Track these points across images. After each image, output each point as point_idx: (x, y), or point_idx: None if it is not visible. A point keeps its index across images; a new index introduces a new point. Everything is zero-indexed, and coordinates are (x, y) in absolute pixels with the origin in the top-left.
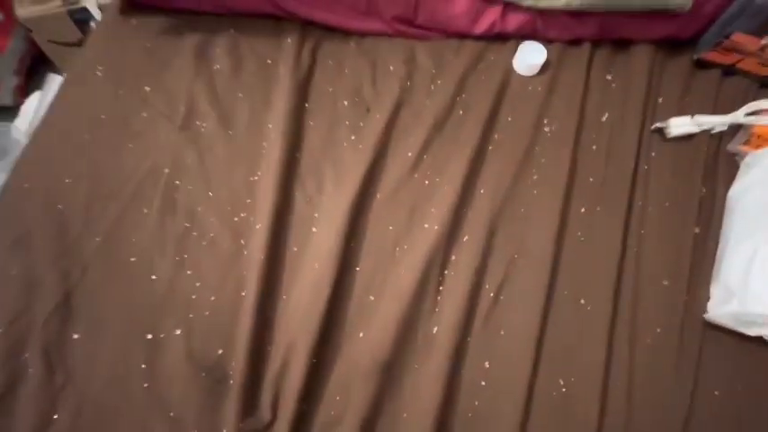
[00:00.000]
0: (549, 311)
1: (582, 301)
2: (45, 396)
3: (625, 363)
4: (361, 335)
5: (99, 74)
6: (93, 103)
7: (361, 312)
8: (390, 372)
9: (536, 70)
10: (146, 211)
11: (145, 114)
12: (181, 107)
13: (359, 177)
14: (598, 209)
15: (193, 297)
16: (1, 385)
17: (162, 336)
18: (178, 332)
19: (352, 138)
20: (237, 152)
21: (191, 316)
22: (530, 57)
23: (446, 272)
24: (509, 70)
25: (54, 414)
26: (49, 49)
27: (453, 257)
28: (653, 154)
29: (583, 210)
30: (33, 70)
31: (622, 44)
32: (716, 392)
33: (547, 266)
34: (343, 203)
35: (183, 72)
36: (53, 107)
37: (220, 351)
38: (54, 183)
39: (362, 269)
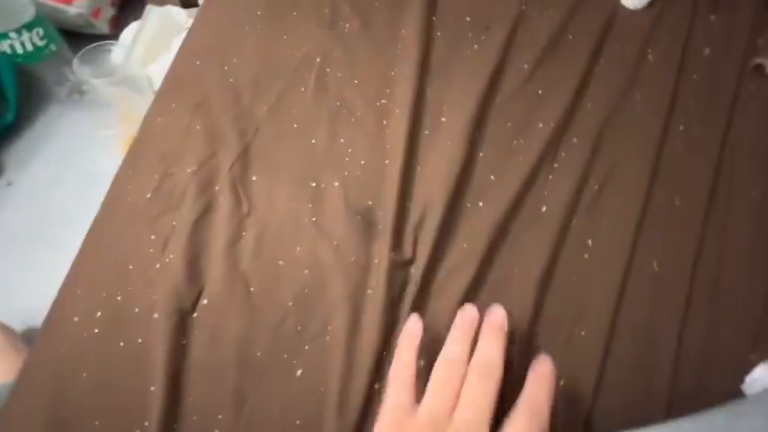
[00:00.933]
0: (647, 207)
1: (677, 202)
2: (235, 218)
3: (714, 254)
4: (480, 204)
5: None
6: (248, 4)
7: (483, 187)
8: (504, 235)
9: (644, 4)
10: (303, 89)
11: (295, 13)
12: (326, 9)
13: (483, 80)
14: (696, 127)
15: (346, 160)
16: (201, 209)
17: (323, 185)
18: (336, 184)
19: (475, 47)
20: (376, 50)
21: (345, 173)
22: None
23: (555, 165)
24: (616, 3)
25: (242, 232)
26: None
27: (563, 154)
28: (751, 87)
29: (681, 128)
30: (125, 3)
31: None
32: None
33: (647, 168)
34: (469, 99)
35: None
36: (207, 5)
37: (370, 202)
38: (224, 60)
39: (485, 155)
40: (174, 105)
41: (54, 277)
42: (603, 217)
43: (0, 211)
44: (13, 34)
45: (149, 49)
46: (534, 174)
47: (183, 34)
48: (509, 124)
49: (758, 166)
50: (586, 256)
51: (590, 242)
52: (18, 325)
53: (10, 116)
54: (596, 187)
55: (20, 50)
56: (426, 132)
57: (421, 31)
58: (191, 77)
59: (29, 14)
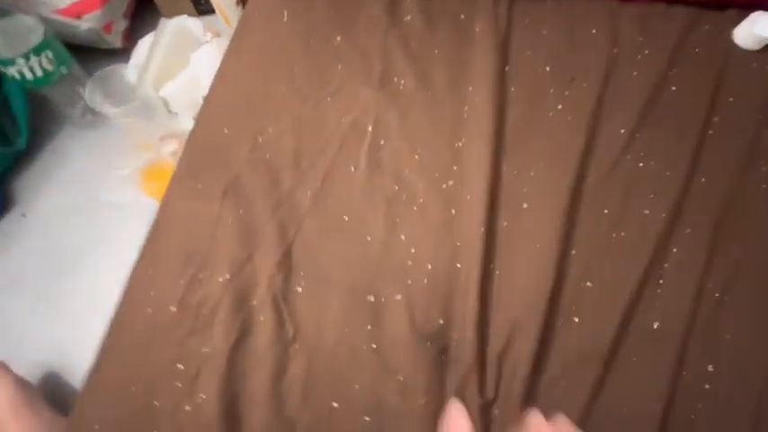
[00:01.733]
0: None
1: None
2: (279, 345)
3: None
4: (576, 320)
5: (285, 20)
6: (284, 52)
7: (579, 298)
8: (609, 362)
9: (764, 43)
10: (352, 168)
11: (339, 67)
12: (376, 61)
13: (571, 153)
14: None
15: (409, 263)
16: (237, 332)
17: (383, 299)
18: (398, 297)
19: (559, 107)
20: (439, 114)
21: (409, 282)
22: (759, 27)
23: (666, 264)
24: (728, 42)
25: (288, 364)
26: None
27: (674, 250)
28: None
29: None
30: (137, 15)
31: None
32: None
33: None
34: (556, 179)
35: (374, 23)
36: (234, 51)
37: (441, 321)
38: (257, 130)
39: (578, 253)
40: (199, 186)
41: (68, 321)
42: (727, 333)
43: (14, 245)
44: (20, 60)
45: (164, 67)
46: (642, 278)
47: (201, 49)
48: (605, 211)
49: None
50: (707, 386)
51: (711, 368)
52: (32, 371)
53: (21, 143)
54: (716, 294)
55: (29, 76)
56: (505, 224)
57: (492, 88)
58: (217, 151)
59: (37, 37)
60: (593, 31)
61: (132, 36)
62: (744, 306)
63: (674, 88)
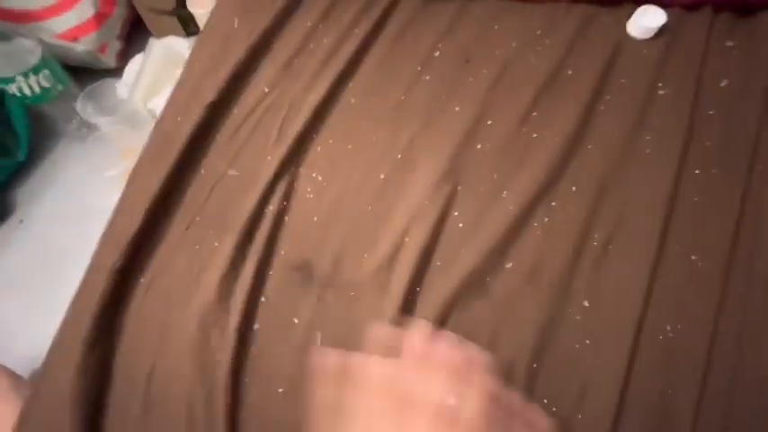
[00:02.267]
0: (660, 264)
1: (693, 258)
2: None
3: (737, 317)
4: (454, 258)
5: (235, 26)
6: (227, 58)
7: (460, 239)
8: (482, 295)
9: (652, 33)
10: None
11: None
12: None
13: (466, 123)
14: (714, 171)
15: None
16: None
17: None
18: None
19: (470, 80)
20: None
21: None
22: (647, 19)
23: (546, 219)
24: (623, 33)
25: None
26: (148, 17)
27: (553, 204)
28: None
29: (697, 171)
30: (131, 36)
31: (746, 10)
32: None
33: (658, 222)
34: (446, 148)
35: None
36: (191, 57)
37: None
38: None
39: (461, 211)
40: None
41: (59, 320)
42: (608, 278)
43: (10, 248)
44: (20, 77)
45: (153, 83)
46: (518, 228)
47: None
48: (495, 176)
49: None
50: (578, 317)
51: (586, 303)
52: (26, 364)
53: (22, 155)
54: (597, 244)
55: (28, 93)
56: (381, 177)
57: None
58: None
59: (35, 57)
60: (496, 27)
61: (127, 56)
62: (625, 254)
63: (570, 72)
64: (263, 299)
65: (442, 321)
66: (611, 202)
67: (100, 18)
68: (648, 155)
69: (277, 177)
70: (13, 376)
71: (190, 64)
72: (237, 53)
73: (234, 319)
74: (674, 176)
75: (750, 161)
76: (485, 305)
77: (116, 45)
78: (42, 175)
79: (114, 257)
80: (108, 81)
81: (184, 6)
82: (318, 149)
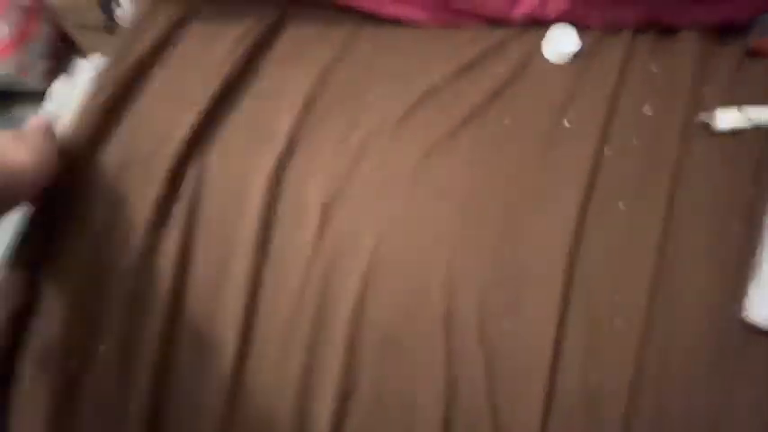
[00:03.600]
0: (566, 318)
1: (615, 321)
2: None
3: (658, 366)
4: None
5: None
6: None
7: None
8: None
9: (567, 58)
10: None
11: None
12: None
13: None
14: (626, 205)
15: None
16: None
17: None
18: None
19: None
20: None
21: None
22: (561, 44)
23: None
24: (537, 56)
25: None
26: (76, 34)
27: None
28: (698, 149)
29: (620, 204)
30: (59, 55)
31: (667, 32)
32: (751, 394)
33: (561, 273)
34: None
35: None
36: None
37: None
38: None
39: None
40: None
41: None
42: (515, 323)
43: None
44: None
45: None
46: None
47: None
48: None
49: (708, 248)
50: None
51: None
52: None
53: None
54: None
55: None
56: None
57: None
58: None
59: None
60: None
61: (55, 75)
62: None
63: (466, 93)
64: None
65: None
66: (515, 234)
67: (18, 39)
68: (549, 189)
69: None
70: None
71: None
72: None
73: None
74: (578, 212)
75: (669, 193)
76: None
77: (40, 65)
78: None
79: None
80: (27, 112)
81: (113, 20)
82: None
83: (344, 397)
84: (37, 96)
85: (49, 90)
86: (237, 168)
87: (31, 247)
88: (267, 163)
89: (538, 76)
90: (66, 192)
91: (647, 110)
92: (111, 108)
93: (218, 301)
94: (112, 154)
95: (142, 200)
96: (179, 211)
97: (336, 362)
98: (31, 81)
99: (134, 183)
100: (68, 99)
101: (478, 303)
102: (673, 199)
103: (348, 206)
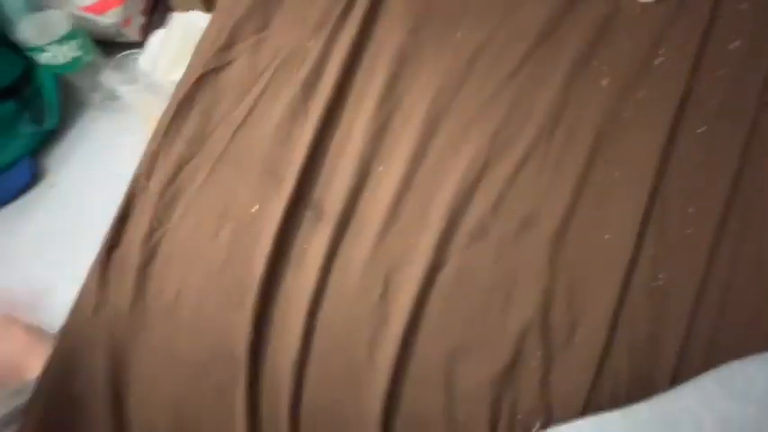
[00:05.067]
0: (652, 212)
1: (690, 210)
2: None
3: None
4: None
5: None
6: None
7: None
8: None
9: None
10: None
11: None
12: None
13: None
14: (714, 128)
15: None
16: None
17: None
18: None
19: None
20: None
21: None
22: None
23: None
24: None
25: None
26: None
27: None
28: None
29: (700, 130)
30: (153, 11)
31: None
32: None
33: (652, 172)
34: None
35: None
36: None
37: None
38: None
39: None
40: None
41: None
42: (601, 227)
43: (42, 211)
44: (51, 47)
45: (173, 56)
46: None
47: None
48: (488, 125)
49: None
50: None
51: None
52: (49, 323)
53: (52, 123)
54: (593, 190)
55: (57, 62)
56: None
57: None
58: None
59: (65, 28)
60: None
61: (149, 30)
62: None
63: (562, 31)
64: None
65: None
66: (605, 152)
67: None
68: (644, 111)
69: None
70: (38, 331)
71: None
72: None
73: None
74: (669, 134)
75: (754, 119)
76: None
77: (139, 19)
78: (71, 143)
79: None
80: (132, 54)
81: None
82: None
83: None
84: (135, 46)
85: (148, 41)
86: None
87: None
88: None
89: (630, 17)
90: None
91: (736, 45)
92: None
93: None
94: None
95: None
96: None
97: None
98: (130, 32)
99: None
100: (164, 48)
101: (563, 215)
102: (756, 124)
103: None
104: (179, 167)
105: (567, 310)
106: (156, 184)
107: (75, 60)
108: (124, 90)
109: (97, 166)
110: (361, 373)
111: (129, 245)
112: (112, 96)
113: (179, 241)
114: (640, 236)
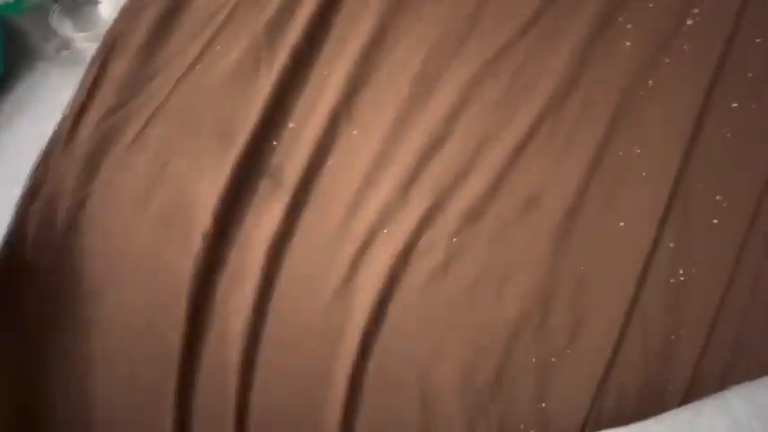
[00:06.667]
0: (676, 199)
1: (718, 197)
2: None
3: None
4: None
5: None
6: None
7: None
8: None
9: None
10: None
11: None
12: None
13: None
14: (753, 106)
15: None
16: None
17: None
18: None
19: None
20: None
21: None
22: None
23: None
24: None
25: None
26: None
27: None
28: None
29: (734, 104)
30: None
31: None
32: None
33: (679, 154)
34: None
35: None
36: None
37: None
38: None
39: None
40: None
41: None
42: (614, 212)
43: None
44: None
45: None
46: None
47: None
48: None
49: None
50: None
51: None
52: None
53: None
54: (615, 161)
55: None
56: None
57: None
58: None
59: None
60: None
61: None
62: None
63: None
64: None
65: None
66: (625, 126)
67: None
68: (672, 80)
69: None
70: None
71: None
72: None
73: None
74: (700, 107)
75: None
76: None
77: None
78: (19, 98)
79: None
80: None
81: None
82: None
83: None
84: None
85: None
86: None
87: None
88: None
89: None
90: None
91: None
92: None
93: None
94: None
95: None
96: None
97: None
98: None
99: None
100: None
101: (572, 198)
102: None
103: None
104: (104, 121)
105: (570, 309)
106: (77, 144)
107: (18, 1)
108: (80, 39)
109: (48, 126)
110: (320, 372)
111: (41, 222)
112: (67, 47)
113: (99, 217)
114: (660, 225)
